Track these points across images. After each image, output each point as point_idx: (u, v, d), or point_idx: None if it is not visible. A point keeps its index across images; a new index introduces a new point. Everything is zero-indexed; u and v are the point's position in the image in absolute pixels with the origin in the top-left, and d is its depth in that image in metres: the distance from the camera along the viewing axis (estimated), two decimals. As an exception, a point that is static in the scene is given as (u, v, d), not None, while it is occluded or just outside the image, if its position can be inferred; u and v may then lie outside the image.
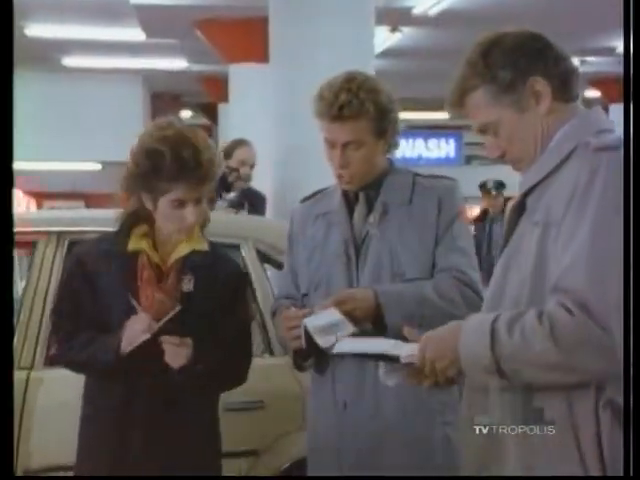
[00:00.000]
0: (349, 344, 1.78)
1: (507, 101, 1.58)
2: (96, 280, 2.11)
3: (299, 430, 2.71)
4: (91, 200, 12.82)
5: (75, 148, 11.42)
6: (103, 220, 3.30)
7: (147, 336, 2.01)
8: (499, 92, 1.58)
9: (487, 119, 1.60)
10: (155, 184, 2.04)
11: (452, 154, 14.41)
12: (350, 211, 2.20)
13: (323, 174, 4.72)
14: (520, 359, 1.45)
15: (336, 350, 1.78)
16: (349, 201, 2.21)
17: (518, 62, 1.57)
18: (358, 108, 2.07)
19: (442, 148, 14.67)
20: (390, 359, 1.60)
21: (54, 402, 2.79)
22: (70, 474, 2.73)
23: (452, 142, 14.52)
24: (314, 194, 2.34)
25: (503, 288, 1.58)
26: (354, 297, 2.07)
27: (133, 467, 2.07)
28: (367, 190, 2.18)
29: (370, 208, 2.18)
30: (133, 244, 2.11)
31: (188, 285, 2.08)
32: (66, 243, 2.92)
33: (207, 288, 2.10)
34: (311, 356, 2.13)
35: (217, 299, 2.11)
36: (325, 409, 2.17)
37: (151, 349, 2.02)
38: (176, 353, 2.02)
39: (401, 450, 2.09)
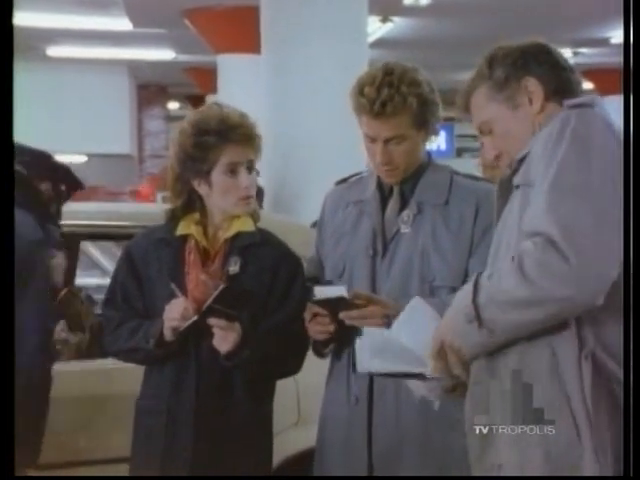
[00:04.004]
0: (371, 361, 1.71)
1: (501, 98, 1.65)
2: (145, 269, 2.15)
3: (293, 426, 2.73)
4: (76, 193, 12.69)
5: (60, 140, 11.30)
6: (94, 213, 3.28)
7: (185, 323, 2.01)
8: (495, 89, 1.66)
9: (483, 117, 1.68)
10: (205, 157, 2.08)
11: (443, 146, 14.43)
12: (383, 203, 2.14)
13: (316, 166, 4.74)
14: (495, 300, 1.50)
15: (360, 369, 1.73)
16: (383, 192, 2.15)
17: (515, 62, 1.65)
18: (401, 104, 2.01)
19: (433, 140, 14.59)
20: (415, 376, 1.61)
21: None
22: (62, 474, 2.70)
23: (443, 134, 14.53)
24: (349, 177, 2.28)
25: (496, 262, 1.61)
26: (389, 307, 1.99)
27: (182, 455, 2.08)
28: (402, 185, 2.13)
29: (404, 204, 2.12)
30: (182, 229, 2.15)
31: (234, 267, 2.08)
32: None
33: (254, 270, 2.10)
34: (330, 343, 2.10)
35: (267, 282, 2.11)
36: (338, 403, 2.13)
37: (200, 332, 2.03)
38: (223, 337, 2.02)
39: (415, 455, 2.04)
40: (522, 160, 1.61)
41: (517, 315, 1.48)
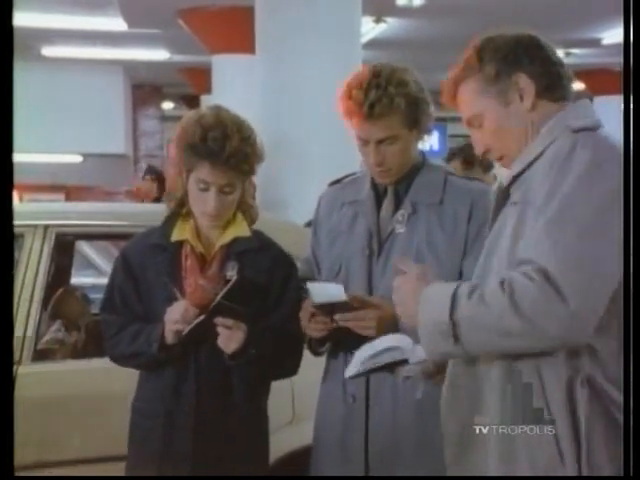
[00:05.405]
0: (357, 363, 1.75)
1: (492, 93, 1.61)
2: (141, 273, 2.14)
3: (288, 425, 2.75)
4: (72, 193, 12.70)
5: (55, 140, 11.30)
6: (89, 213, 3.30)
7: (186, 324, 2.01)
8: (485, 84, 1.62)
9: (473, 111, 1.64)
10: (186, 160, 2.08)
11: (436, 146, 14.38)
12: (378, 203, 2.15)
13: (311, 166, 4.75)
14: (478, 323, 1.47)
15: (348, 374, 1.76)
16: (378, 192, 2.16)
17: (506, 57, 1.61)
18: (389, 105, 2.01)
19: (426, 140, 14.54)
20: (399, 363, 1.65)
21: (42, 397, 2.75)
22: (57, 472, 2.71)
23: (436, 134, 14.49)
24: (343, 178, 2.28)
25: (486, 272, 1.59)
26: (384, 309, 1.99)
27: (180, 457, 2.08)
28: (397, 185, 2.13)
29: (398, 204, 2.12)
30: (177, 234, 2.14)
31: (231, 272, 2.07)
32: (53, 236, 2.89)
33: (251, 274, 2.10)
34: (327, 342, 2.11)
35: (263, 284, 2.12)
36: (334, 402, 2.14)
37: (199, 335, 2.03)
38: (229, 337, 2.02)
39: (412, 453, 2.05)
40: (521, 173, 1.59)
41: (501, 342, 1.47)
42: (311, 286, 2.02)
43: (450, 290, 1.50)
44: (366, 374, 1.79)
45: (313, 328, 2.05)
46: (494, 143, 1.64)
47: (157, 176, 7.65)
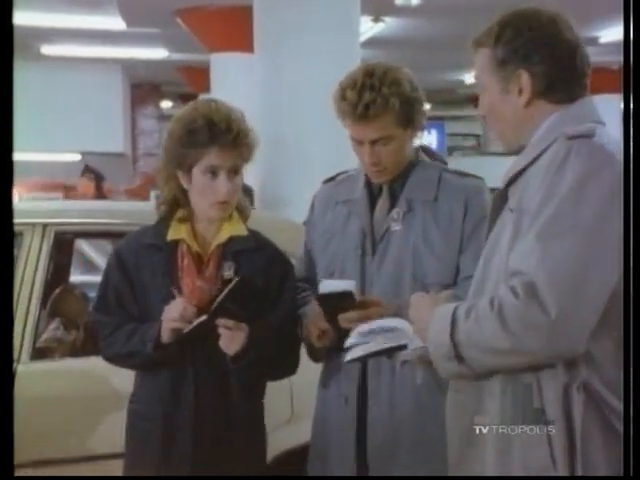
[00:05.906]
0: (355, 335, 1.76)
1: (496, 77, 1.64)
2: (136, 273, 2.12)
3: (286, 423, 2.76)
4: (71, 191, 12.70)
5: (54, 138, 11.30)
6: (88, 211, 3.30)
7: (185, 323, 2.00)
8: (493, 65, 1.64)
9: (478, 79, 1.68)
10: (188, 153, 2.06)
11: (434, 145, 14.39)
12: (372, 202, 2.15)
13: (308, 165, 4.75)
14: (474, 344, 1.49)
15: (347, 357, 1.77)
16: (372, 191, 2.16)
17: (517, 50, 1.61)
18: (383, 106, 2.01)
19: (424, 138, 14.62)
20: (399, 349, 1.67)
21: (41, 395, 2.75)
22: (56, 471, 2.72)
23: (434, 133, 14.50)
24: (336, 176, 2.28)
25: (485, 277, 1.60)
26: (384, 307, 2.00)
27: (181, 459, 2.08)
28: (392, 183, 2.13)
29: (393, 202, 2.12)
30: (172, 234, 2.12)
31: (228, 272, 2.07)
32: (52, 234, 2.90)
33: (248, 274, 2.08)
34: (329, 353, 2.11)
35: (260, 285, 2.10)
36: (330, 403, 2.15)
37: (200, 334, 2.01)
38: (231, 338, 2.01)
39: (411, 452, 2.06)
40: (518, 174, 1.60)
41: (498, 360, 1.49)
42: (323, 281, 2.03)
43: (451, 311, 1.53)
44: (364, 358, 1.80)
45: (320, 342, 2.06)
46: (489, 118, 1.68)
47: (95, 175, 7.76)
